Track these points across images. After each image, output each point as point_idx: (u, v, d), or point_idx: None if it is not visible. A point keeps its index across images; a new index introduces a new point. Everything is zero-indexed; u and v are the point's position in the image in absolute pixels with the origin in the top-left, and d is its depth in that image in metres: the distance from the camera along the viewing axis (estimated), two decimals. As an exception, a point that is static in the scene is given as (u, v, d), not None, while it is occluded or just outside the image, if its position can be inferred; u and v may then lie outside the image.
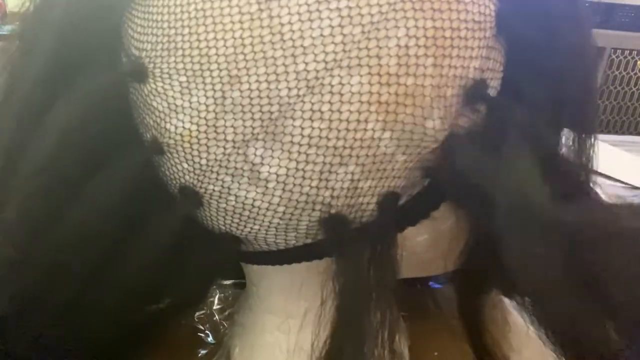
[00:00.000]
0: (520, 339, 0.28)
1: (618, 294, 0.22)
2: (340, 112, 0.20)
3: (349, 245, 0.22)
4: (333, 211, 0.22)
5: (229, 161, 0.21)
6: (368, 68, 0.19)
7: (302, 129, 0.20)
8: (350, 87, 0.19)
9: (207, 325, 0.37)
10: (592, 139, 0.27)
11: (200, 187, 0.22)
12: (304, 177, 0.21)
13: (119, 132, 0.23)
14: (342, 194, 0.21)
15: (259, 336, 0.30)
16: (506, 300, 0.30)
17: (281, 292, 0.28)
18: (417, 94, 0.20)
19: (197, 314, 0.37)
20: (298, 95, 0.20)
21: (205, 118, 0.21)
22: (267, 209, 0.22)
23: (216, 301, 0.39)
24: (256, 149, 0.21)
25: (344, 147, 0.20)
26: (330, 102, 0.20)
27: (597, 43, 0.27)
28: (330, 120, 0.20)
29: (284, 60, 0.19)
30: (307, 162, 0.21)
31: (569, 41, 0.24)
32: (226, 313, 0.38)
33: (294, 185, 0.21)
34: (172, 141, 0.22)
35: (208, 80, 0.20)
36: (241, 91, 0.20)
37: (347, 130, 0.20)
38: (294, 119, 0.20)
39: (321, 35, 0.19)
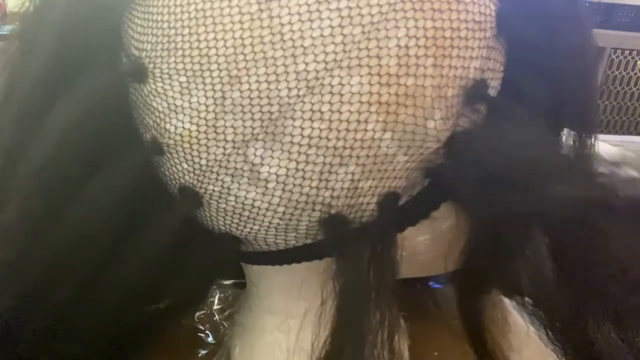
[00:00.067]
0: (520, 339, 0.28)
1: (618, 294, 0.22)
2: (340, 113, 0.20)
3: (349, 245, 0.22)
4: (333, 211, 0.22)
5: (228, 161, 0.21)
6: (368, 68, 0.19)
7: (302, 129, 0.20)
8: (350, 87, 0.19)
9: (207, 325, 0.37)
10: (593, 139, 0.27)
11: (200, 188, 0.22)
12: (304, 178, 0.21)
13: (118, 133, 0.23)
14: (342, 194, 0.21)
15: (259, 336, 0.30)
16: (506, 300, 0.30)
17: (281, 292, 0.28)
18: (418, 95, 0.20)
19: (197, 314, 0.37)
20: (298, 96, 0.20)
21: (205, 118, 0.21)
22: (267, 209, 0.22)
23: (216, 301, 0.39)
24: (256, 149, 0.21)
25: (344, 148, 0.20)
26: (330, 103, 0.20)
27: (597, 43, 0.27)
28: (330, 121, 0.20)
29: (284, 60, 0.19)
30: (307, 163, 0.21)
31: (570, 41, 0.24)
32: (226, 313, 0.38)
33: (294, 185, 0.21)
34: (171, 141, 0.22)
35: (208, 80, 0.20)
36: (241, 91, 0.20)
37: (347, 130, 0.20)
38: (294, 119, 0.20)
39: (321, 35, 0.19)
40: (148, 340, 0.28)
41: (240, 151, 0.21)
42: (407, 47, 0.20)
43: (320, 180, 0.21)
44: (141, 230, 0.23)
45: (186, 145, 0.21)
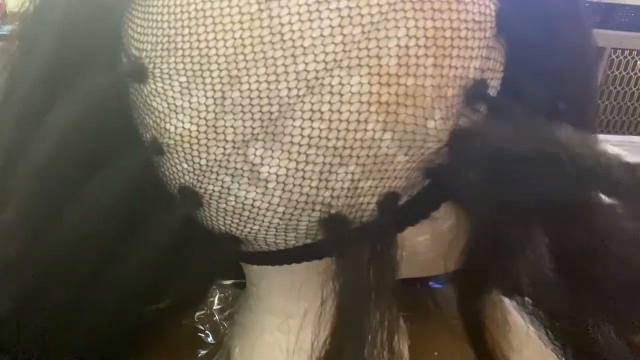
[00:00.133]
0: (520, 339, 0.28)
1: (617, 294, 0.22)
2: (340, 113, 0.20)
3: (349, 245, 0.22)
4: (333, 211, 0.22)
5: (228, 161, 0.21)
6: (368, 68, 0.19)
7: (302, 129, 0.20)
8: (350, 87, 0.19)
9: (207, 326, 0.37)
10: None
11: (200, 188, 0.22)
12: (303, 178, 0.21)
13: (118, 133, 0.23)
14: (342, 194, 0.21)
15: (258, 336, 0.30)
16: (506, 300, 0.30)
17: (281, 292, 0.28)
18: (418, 94, 0.20)
19: (197, 314, 0.37)
20: (298, 96, 0.20)
21: (205, 118, 0.21)
22: (267, 209, 0.22)
23: (216, 301, 0.39)
24: (256, 149, 0.21)
25: (344, 148, 0.20)
26: (330, 103, 0.20)
27: (597, 43, 0.27)
28: (330, 121, 0.20)
29: (284, 60, 0.19)
30: (307, 163, 0.21)
31: (569, 41, 0.24)
32: (226, 313, 0.38)
33: (294, 185, 0.21)
34: (171, 141, 0.22)
35: (208, 80, 0.20)
36: (241, 91, 0.20)
37: (347, 130, 0.20)
38: (293, 119, 0.20)
39: (321, 35, 0.19)
40: (148, 340, 0.28)
41: (240, 151, 0.21)
42: (407, 47, 0.20)
43: (320, 180, 0.21)
44: (141, 230, 0.23)
45: (186, 145, 0.21)
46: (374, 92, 0.20)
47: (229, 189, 0.22)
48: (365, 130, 0.20)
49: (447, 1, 0.20)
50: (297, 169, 0.21)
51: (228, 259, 0.27)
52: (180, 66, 0.20)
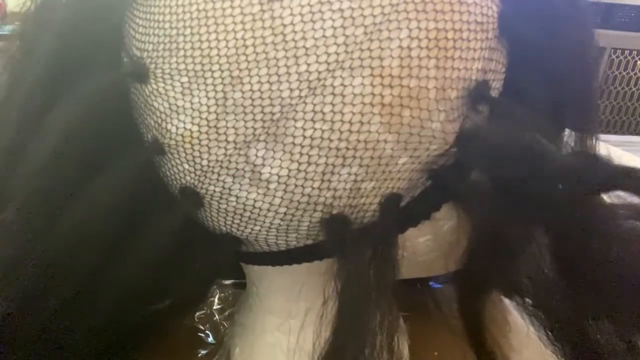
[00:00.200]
0: (520, 339, 0.28)
1: (617, 294, 0.22)
2: (342, 114, 0.20)
3: (350, 245, 0.22)
4: (334, 212, 0.22)
5: (230, 162, 0.21)
6: (370, 69, 0.19)
7: (304, 130, 0.20)
8: (352, 88, 0.19)
9: (207, 325, 0.37)
10: (594, 140, 0.27)
11: (201, 188, 0.22)
12: (305, 178, 0.21)
13: (119, 133, 0.23)
14: (344, 194, 0.21)
15: (259, 336, 0.30)
16: (506, 300, 0.30)
17: (282, 292, 0.28)
18: (420, 96, 0.20)
19: (197, 314, 0.37)
20: (300, 97, 0.20)
21: (206, 119, 0.20)
22: (268, 210, 0.22)
23: (216, 301, 0.39)
24: (257, 150, 0.21)
25: (346, 149, 0.20)
26: (332, 104, 0.20)
27: (597, 43, 0.27)
28: (332, 122, 0.20)
29: (286, 61, 0.19)
30: (308, 163, 0.20)
31: (571, 41, 0.24)
32: (226, 313, 0.38)
33: (296, 186, 0.21)
34: (173, 142, 0.22)
35: (209, 81, 0.20)
36: (243, 92, 0.20)
37: (350, 131, 0.20)
38: (295, 120, 0.20)
39: (323, 36, 0.19)
40: (148, 340, 0.28)
41: (241, 152, 0.21)
42: (409, 48, 0.20)
43: (322, 181, 0.21)
44: (142, 230, 0.23)
45: (187, 145, 0.21)
46: (376, 93, 0.20)
47: (230, 189, 0.22)
48: (368, 131, 0.20)
49: (449, 2, 0.20)
50: (298, 170, 0.21)
51: (228, 260, 0.27)
52: (182, 66, 0.20)
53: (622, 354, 0.23)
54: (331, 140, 0.20)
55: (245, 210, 0.22)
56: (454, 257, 0.25)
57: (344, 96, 0.20)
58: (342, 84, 0.19)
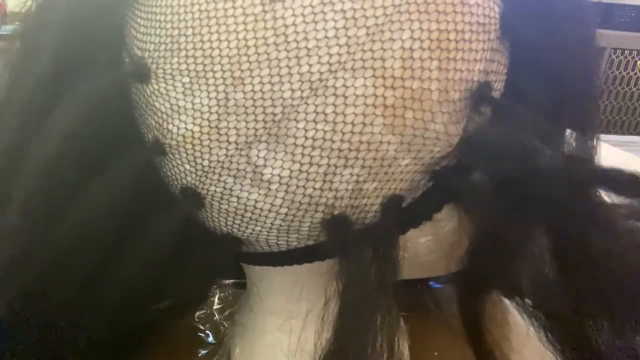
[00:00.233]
0: (520, 339, 0.28)
1: (617, 295, 0.22)
2: (345, 115, 0.20)
3: (352, 246, 0.22)
4: (336, 212, 0.22)
5: (231, 163, 0.21)
6: (372, 70, 0.19)
7: (306, 131, 0.20)
8: (354, 89, 0.19)
9: (207, 325, 0.37)
10: (595, 140, 0.27)
11: (202, 188, 0.22)
12: (307, 179, 0.21)
13: (120, 133, 0.23)
14: (345, 195, 0.21)
15: (259, 336, 0.30)
16: (506, 301, 0.30)
17: (282, 293, 0.28)
18: (422, 97, 0.20)
19: (198, 313, 0.37)
20: (302, 97, 0.19)
21: (208, 119, 0.20)
22: (270, 211, 0.22)
23: (216, 301, 0.39)
24: (259, 150, 0.20)
25: (349, 150, 0.20)
26: (334, 105, 0.20)
27: (599, 43, 0.27)
28: (335, 123, 0.20)
29: (288, 62, 0.19)
30: (310, 164, 0.20)
31: (573, 42, 0.24)
32: (226, 313, 0.38)
33: (297, 187, 0.21)
34: (174, 142, 0.22)
35: (211, 81, 0.20)
36: (244, 93, 0.20)
37: (352, 133, 0.20)
38: (297, 121, 0.20)
39: (325, 37, 0.19)
40: (148, 340, 0.28)
41: (243, 152, 0.21)
42: (411, 49, 0.19)
43: (324, 181, 0.21)
44: (142, 230, 0.23)
45: (189, 146, 0.21)
46: (379, 94, 0.20)
47: (231, 190, 0.22)
48: (370, 132, 0.20)
49: (451, 3, 0.20)
50: (300, 171, 0.21)
51: (229, 260, 0.27)
52: (184, 67, 0.20)
53: (621, 355, 0.23)
54: (333, 141, 0.20)
55: (246, 210, 0.22)
56: (455, 258, 0.25)
57: (346, 97, 0.19)
58: (344, 85, 0.19)
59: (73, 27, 0.23)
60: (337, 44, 0.19)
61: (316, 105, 0.20)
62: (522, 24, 0.22)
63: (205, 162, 0.21)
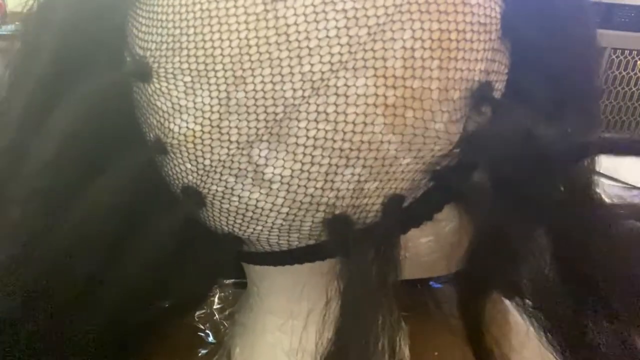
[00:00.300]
0: (520, 339, 0.28)
1: (617, 295, 0.22)
2: (346, 114, 0.20)
3: (353, 246, 0.22)
4: (337, 212, 0.22)
5: (232, 162, 0.21)
6: (374, 70, 0.19)
7: (307, 130, 0.20)
8: (355, 89, 0.19)
9: (207, 325, 0.37)
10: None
11: (204, 188, 0.22)
12: (308, 179, 0.21)
13: (121, 132, 0.23)
14: (347, 195, 0.21)
15: (259, 336, 0.30)
16: (506, 301, 0.30)
17: (283, 292, 0.28)
18: (423, 97, 0.20)
19: (197, 313, 0.37)
20: (303, 97, 0.19)
21: (209, 119, 0.20)
22: (271, 210, 0.22)
23: (216, 300, 0.39)
24: (260, 150, 0.20)
25: (350, 149, 0.20)
26: (335, 104, 0.20)
27: (600, 43, 0.27)
28: (336, 122, 0.20)
29: (289, 61, 0.19)
30: (312, 164, 0.20)
31: (574, 42, 0.24)
32: (226, 312, 0.38)
33: (299, 186, 0.21)
34: (175, 141, 0.22)
35: (213, 80, 0.20)
36: (246, 92, 0.20)
37: (353, 132, 0.20)
38: (299, 121, 0.20)
39: (327, 36, 0.19)
40: (148, 340, 0.28)
41: (244, 152, 0.21)
42: (412, 49, 0.20)
43: (325, 181, 0.21)
44: (143, 230, 0.23)
45: (190, 145, 0.21)
46: (380, 94, 0.20)
47: (232, 189, 0.22)
48: (372, 132, 0.20)
49: (453, 3, 0.20)
50: (302, 170, 0.21)
51: (230, 259, 0.27)
52: (185, 66, 0.20)
53: (621, 355, 0.24)
54: (335, 141, 0.20)
55: (247, 210, 0.22)
56: (456, 258, 0.25)
57: (347, 97, 0.19)
58: (345, 85, 0.19)
59: (74, 27, 0.23)
60: (338, 44, 0.19)
61: (317, 105, 0.20)
62: (523, 24, 0.22)
63: (207, 162, 0.21)
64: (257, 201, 0.22)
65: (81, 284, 0.23)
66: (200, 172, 0.22)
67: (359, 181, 0.21)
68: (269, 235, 0.23)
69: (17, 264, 0.23)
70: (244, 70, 0.19)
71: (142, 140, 0.23)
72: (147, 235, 0.23)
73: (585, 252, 0.23)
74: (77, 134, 0.22)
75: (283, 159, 0.20)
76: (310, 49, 0.19)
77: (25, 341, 0.24)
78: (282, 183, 0.21)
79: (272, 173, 0.21)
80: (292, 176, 0.21)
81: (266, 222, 0.22)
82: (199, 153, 0.21)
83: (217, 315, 0.38)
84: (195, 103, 0.21)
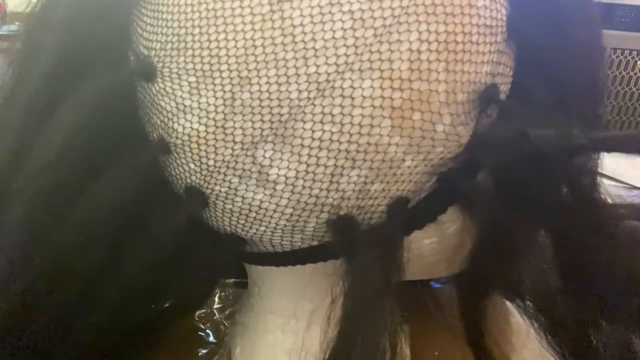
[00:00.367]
0: (521, 339, 0.28)
1: (617, 295, 0.23)
2: (352, 116, 0.20)
3: (357, 247, 0.22)
4: (342, 213, 0.22)
5: (236, 162, 0.21)
6: (380, 72, 0.19)
7: (313, 131, 0.20)
8: (361, 90, 0.19)
9: (208, 325, 0.37)
10: None
11: (207, 188, 0.22)
12: (313, 180, 0.21)
13: (125, 132, 0.23)
14: (352, 196, 0.21)
15: (260, 336, 0.30)
16: (508, 302, 0.30)
17: (285, 293, 0.28)
18: (429, 99, 0.20)
19: (198, 313, 0.37)
20: (308, 98, 0.19)
21: (214, 119, 0.20)
22: (275, 211, 0.22)
23: (216, 300, 0.39)
24: (265, 150, 0.20)
25: (356, 151, 0.20)
26: (341, 106, 0.19)
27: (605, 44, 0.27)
28: (342, 124, 0.20)
29: (295, 62, 0.19)
30: (317, 165, 0.20)
31: (579, 45, 0.24)
32: (227, 312, 0.38)
33: (303, 187, 0.21)
34: (179, 141, 0.22)
35: (218, 81, 0.20)
36: (251, 93, 0.20)
37: (360, 134, 0.20)
38: (304, 122, 0.20)
39: (333, 37, 0.19)
40: (149, 340, 0.28)
41: (249, 152, 0.21)
42: (418, 51, 0.19)
43: (331, 182, 0.21)
44: (146, 230, 0.23)
45: (194, 145, 0.21)
46: (386, 96, 0.19)
47: (236, 190, 0.22)
48: (378, 134, 0.20)
49: (459, 5, 0.20)
50: (307, 172, 0.20)
51: (232, 260, 0.27)
52: (190, 66, 0.20)
53: (621, 356, 0.24)
54: (340, 142, 0.20)
55: (250, 210, 0.22)
56: (458, 260, 0.25)
57: (353, 98, 0.19)
58: (351, 86, 0.19)
59: (76, 27, 0.23)
60: (344, 45, 0.19)
61: (323, 106, 0.19)
62: (528, 26, 0.22)
63: (211, 162, 0.21)
64: (261, 202, 0.22)
65: (83, 284, 0.23)
66: (204, 172, 0.22)
67: (364, 182, 0.21)
68: (272, 236, 0.23)
69: (19, 263, 0.23)
70: (249, 70, 0.19)
71: (145, 140, 0.23)
72: (149, 235, 0.23)
73: (585, 253, 0.23)
74: (80, 134, 0.22)
75: (288, 160, 0.20)
76: (316, 49, 0.19)
77: (27, 342, 0.24)
78: (286, 184, 0.21)
79: (277, 174, 0.21)
80: (296, 177, 0.21)
81: (269, 223, 0.22)
82: (203, 153, 0.21)
83: (217, 315, 0.38)
84: (199, 103, 0.20)
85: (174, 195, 0.24)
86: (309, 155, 0.20)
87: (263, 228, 0.23)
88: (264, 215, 0.22)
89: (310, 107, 0.19)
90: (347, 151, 0.20)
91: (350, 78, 0.19)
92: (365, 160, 0.20)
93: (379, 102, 0.20)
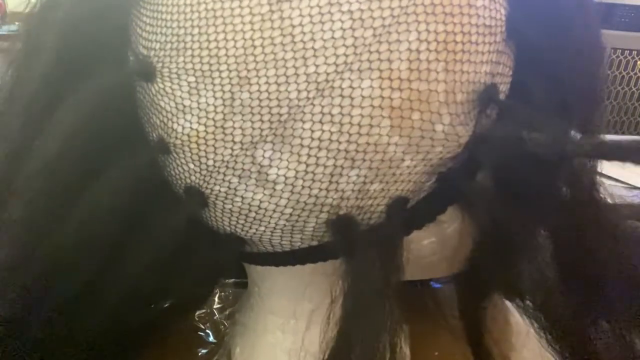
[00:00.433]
0: (521, 339, 0.28)
1: (617, 295, 0.22)
2: (351, 116, 0.20)
3: (356, 247, 0.22)
4: (341, 213, 0.22)
5: (236, 162, 0.21)
6: (379, 72, 0.19)
7: (312, 131, 0.20)
8: (360, 90, 0.19)
9: (208, 324, 0.37)
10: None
11: (206, 188, 0.22)
12: (313, 180, 0.21)
13: (124, 132, 0.23)
14: (351, 196, 0.21)
15: (260, 336, 0.30)
16: (507, 302, 0.30)
17: (284, 293, 0.28)
18: (429, 99, 0.20)
19: (198, 313, 0.37)
20: (308, 98, 0.19)
21: (213, 119, 0.20)
22: (274, 211, 0.22)
23: (216, 300, 0.39)
24: (264, 150, 0.20)
25: (356, 151, 0.20)
26: (340, 106, 0.19)
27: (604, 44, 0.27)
28: (341, 124, 0.20)
29: (294, 62, 0.19)
30: (316, 165, 0.20)
31: (578, 44, 0.24)
32: (226, 312, 0.38)
33: (303, 187, 0.21)
34: (179, 141, 0.22)
35: (217, 81, 0.20)
36: (250, 93, 0.20)
37: (359, 134, 0.20)
38: (303, 122, 0.20)
39: (332, 37, 0.19)
40: (149, 340, 0.28)
41: (248, 152, 0.21)
42: (418, 51, 0.19)
43: (330, 182, 0.21)
44: (145, 230, 0.23)
45: (193, 145, 0.21)
46: (385, 96, 0.19)
47: (235, 190, 0.22)
48: (377, 134, 0.20)
49: (458, 5, 0.20)
50: (306, 171, 0.20)
51: (232, 260, 0.27)
52: (189, 66, 0.20)
53: (621, 356, 0.24)
54: (339, 142, 0.20)
55: (250, 210, 0.22)
56: (457, 260, 0.25)
57: (352, 98, 0.19)
58: (350, 86, 0.19)
59: (76, 27, 0.23)
60: (343, 45, 0.19)
61: (322, 106, 0.19)
62: (528, 26, 0.22)
63: (210, 162, 0.21)
64: (261, 202, 0.22)
65: (83, 284, 0.23)
66: (204, 172, 0.22)
67: (364, 182, 0.21)
68: (272, 236, 0.23)
69: (19, 263, 0.23)
70: (248, 70, 0.19)
71: (144, 140, 0.23)
72: (149, 235, 0.23)
73: (585, 253, 0.23)
74: (79, 134, 0.22)
75: (287, 160, 0.20)
76: (315, 49, 0.19)
77: (27, 342, 0.24)
78: (286, 184, 0.21)
79: (276, 174, 0.21)
80: (296, 177, 0.21)
81: (269, 222, 0.22)
82: (202, 153, 0.21)
83: (217, 315, 0.38)
84: (199, 103, 0.20)
85: (173, 196, 0.24)
86: (309, 155, 0.20)
87: (263, 228, 0.23)
88: (264, 215, 0.22)
89: (309, 107, 0.19)
90: (347, 151, 0.20)
91: (349, 78, 0.19)
92: (364, 160, 0.20)
93: (378, 102, 0.20)
